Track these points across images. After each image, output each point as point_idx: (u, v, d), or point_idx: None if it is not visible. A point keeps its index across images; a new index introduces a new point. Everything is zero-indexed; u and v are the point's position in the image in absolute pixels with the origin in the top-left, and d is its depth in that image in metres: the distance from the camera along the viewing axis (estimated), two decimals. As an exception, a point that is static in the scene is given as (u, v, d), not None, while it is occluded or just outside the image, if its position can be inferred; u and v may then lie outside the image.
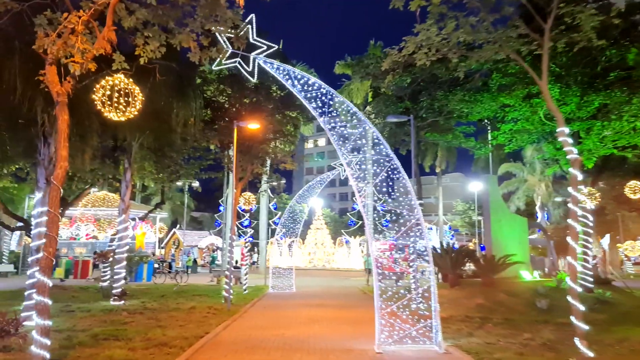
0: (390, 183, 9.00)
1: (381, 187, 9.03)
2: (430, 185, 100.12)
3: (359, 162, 9.13)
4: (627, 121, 14.41)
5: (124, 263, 14.38)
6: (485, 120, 17.58)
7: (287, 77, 9.63)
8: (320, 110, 9.44)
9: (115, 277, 14.22)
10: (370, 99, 34.29)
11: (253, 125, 14.24)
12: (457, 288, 15.32)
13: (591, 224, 16.40)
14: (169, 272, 27.65)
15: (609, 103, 15.04)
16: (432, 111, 17.16)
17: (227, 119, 16.01)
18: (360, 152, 9.16)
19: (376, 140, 9.18)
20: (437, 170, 54.98)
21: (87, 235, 34.92)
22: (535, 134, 16.98)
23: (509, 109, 15.78)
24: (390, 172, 9.03)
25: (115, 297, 13.86)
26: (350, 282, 30.11)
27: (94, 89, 6.56)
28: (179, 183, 28.56)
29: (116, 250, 14.24)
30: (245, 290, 21.03)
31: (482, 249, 57.11)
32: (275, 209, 36.51)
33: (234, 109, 16.67)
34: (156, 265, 32.70)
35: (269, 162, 20.34)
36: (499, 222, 16.82)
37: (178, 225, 72.05)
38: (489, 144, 16.89)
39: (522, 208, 37.32)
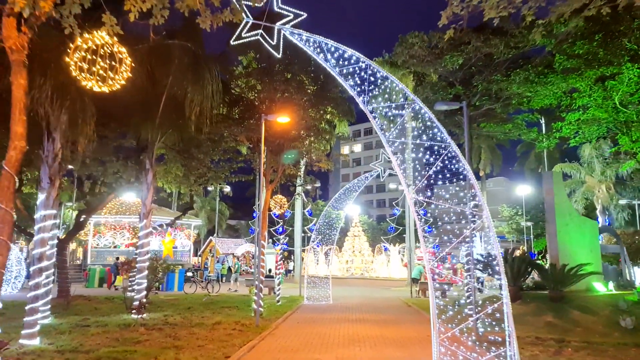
0: (448, 175, 7.21)
1: (437, 180, 7.25)
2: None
3: (408, 150, 7.40)
4: None
5: (146, 272, 13.20)
6: (538, 115, 15.32)
7: (318, 50, 8.07)
8: (358, 89, 7.81)
9: (137, 287, 13.05)
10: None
11: (282, 119, 12.81)
12: (520, 303, 13.13)
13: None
14: (201, 281, 26.59)
15: None
16: (487, 98, 15.01)
17: (256, 116, 14.65)
18: (410, 137, 7.43)
19: (429, 123, 7.43)
20: (481, 174, 51.97)
21: (127, 244, 34.72)
22: (607, 124, 14.59)
23: (577, 94, 13.54)
24: (447, 162, 7.24)
25: (134, 310, 12.67)
26: (391, 292, 28.04)
27: (71, 51, 5.26)
28: (210, 188, 27.60)
29: (138, 259, 13.07)
30: (278, 301, 19.53)
31: (532, 256, 53.45)
32: (310, 215, 35.06)
33: (263, 106, 15.33)
34: (190, 274, 31.91)
35: (302, 163, 18.81)
36: (566, 226, 14.47)
37: (215, 233, 72.22)
38: (553, 135, 14.61)
39: (581, 212, 33.98)
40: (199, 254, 56.68)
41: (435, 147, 7.32)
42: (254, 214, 34.83)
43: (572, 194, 34.14)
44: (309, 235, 39.53)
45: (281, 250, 25.54)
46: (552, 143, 14.95)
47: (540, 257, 49.82)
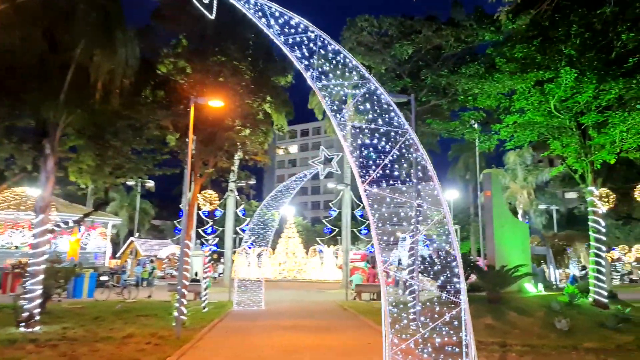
0: (405, 165, 6.35)
1: (393, 170, 6.36)
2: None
3: (362, 136, 6.44)
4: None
5: (40, 277, 11.04)
6: (484, 114, 15.29)
7: (260, 14, 6.87)
8: (306, 62, 6.73)
9: (28, 295, 10.85)
10: (349, 96, 31.93)
11: (215, 103, 11.38)
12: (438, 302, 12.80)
13: (604, 230, 14.36)
14: (114, 286, 23.92)
15: (628, 92, 13.04)
16: (434, 93, 14.68)
17: (185, 101, 13.00)
18: (364, 121, 6.48)
19: (385, 106, 6.53)
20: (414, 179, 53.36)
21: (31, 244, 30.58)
22: (540, 129, 14.84)
23: (517, 96, 13.57)
24: (404, 150, 6.38)
25: (23, 323, 10.50)
26: (326, 295, 27.24)
27: None
28: (130, 183, 24.99)
29: (30, 261, 10.89)
30: (204, 308, 17.84)
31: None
32: (243, 214, 33.38)
33: (194, 91, 13.71)
34: (105, 278, 28.84)
35: (237, 157, 17.31)
36: (502, 228, 14.51)
37: (137, 234, 67.44)
38: (493, 137, 14.60)
39: (506, 216, 35.86)
40: (117, 255, 52.44)
41: (392, 133, 6.44)
42: (181, 213, 32.48)
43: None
44: (240, 236, 37.71)
45: (210, 252, 23.80)
46: (492, 144, 14.96)
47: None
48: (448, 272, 6.33)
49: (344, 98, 6.62)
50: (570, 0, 13.32)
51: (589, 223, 14.19)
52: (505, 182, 32.61)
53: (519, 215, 33.58)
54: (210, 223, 32.35)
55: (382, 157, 6.30)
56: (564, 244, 26.80)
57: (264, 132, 15.35)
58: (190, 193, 13.46)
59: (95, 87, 10.72)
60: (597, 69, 13.04)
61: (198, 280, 24.13)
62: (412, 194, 6.89)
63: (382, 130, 6.38)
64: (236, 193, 20.31)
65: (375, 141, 6.40)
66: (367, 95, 6.56)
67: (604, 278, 13.86)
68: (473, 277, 13.73)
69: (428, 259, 12.95)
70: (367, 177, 6.24)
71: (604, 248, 14.12)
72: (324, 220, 44.58)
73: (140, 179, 18.77)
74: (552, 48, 13.32)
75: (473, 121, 15.10)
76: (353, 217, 31.05)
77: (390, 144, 6.35)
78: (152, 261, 32.06)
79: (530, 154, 32.53)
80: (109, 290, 23.29)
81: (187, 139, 15.35)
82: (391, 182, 6.22)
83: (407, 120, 13.04)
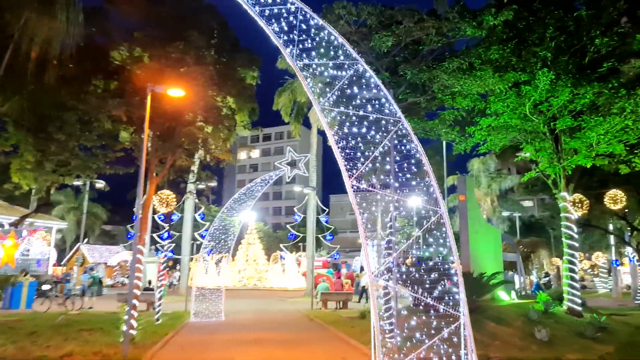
0: (397, 158, 5.51)
1: (384, 164, 5.50)
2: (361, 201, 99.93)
3: (349, 124, 5.54)
4: (626, 117, 12.32)
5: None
6: (463, 113, 14.80)
7: (232, -23, 5.86)
8: (285, 37, 5.79)
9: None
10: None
11: (175, 92, 10.16)
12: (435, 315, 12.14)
13: (577, 236, 14.21)
14: (56, 296, 21.74)
15: (601, 97, 12.95)
16: (412, 90, 13.96)
17: (141, 94, 11.63)
18: (351, 107, 5.58)
19: (375, 91, 5.67)
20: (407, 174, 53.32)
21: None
22: (513, 132, 14.57)
23: (493, 98, 13.19)
24: (397, 141, 5.55)
25: None
26: (289, 304, 26.08)
27: None
28: (77, 182, 22.93)
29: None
30: (158, 319, 16.29)
31: (419, 264, 56.21)
32: (202, 219, 31.62)
33: (152, 82, 12.35)
34: (47, 287, 26.36)
35: (197, 156, 15.99)
36: (476, 234, 14.06)
37: (86, 240, 63.51)
38: (469, 140, 14.16)
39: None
40: (62, 263, 48.91)
41: (383, 122, 5.59)
42: (134, 217, 30.42)
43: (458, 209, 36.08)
44: (199, 242, 35.86)
45: (165, 259, 22.09)
46: (468, 146, 14.52)
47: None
48: (445, 281, 5.51)
49: (328, 80, 5.71)
50: (545, 2, 13.13)
51: (562, 229, 13.99)
52: (469, 189, 32.85)
53: (483, 223, 33.96)
54: (167, 228, 30.39)
55: (372, 148, 5.43)
56: (529, 250, 27.15)
57: (227, 129, 14.17)
58: (145, 196, 12.09)
59: (35, 70, 9.28)
60: (571, 73, 12.88)
61: (152, 289, 22.38)
62: (407, 192, 6.06)
63: (371, 117, 5.52)
64: (195, 195, 18.81)
65: (364, 130, 5.52)
66: (354, 78, 5.67)
67: (577, 285, 13.65)
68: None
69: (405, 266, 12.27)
70: (354, 170, 5.35)
71: (577, 255, 13.93)
72: (287, 226, 43.35)
73: (88, 178, 16.95)
74: (528, 50, 13.06)
75: (452, 122, 14.59)
76: (317, 222, 30.12)
77: (380, 133, 5.50)
78: (92, 269, 29.64)
79: (494, 162, 32.94)
80: (50, 300, 21.11)
81: (142, 134, 13.96)
82: (382, 177, 5.35)
83: None
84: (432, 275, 6.28)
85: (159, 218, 32.81)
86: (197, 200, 22.44)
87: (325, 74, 5.70)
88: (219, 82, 12.47)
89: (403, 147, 5.60)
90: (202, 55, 11.66)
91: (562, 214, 14.08)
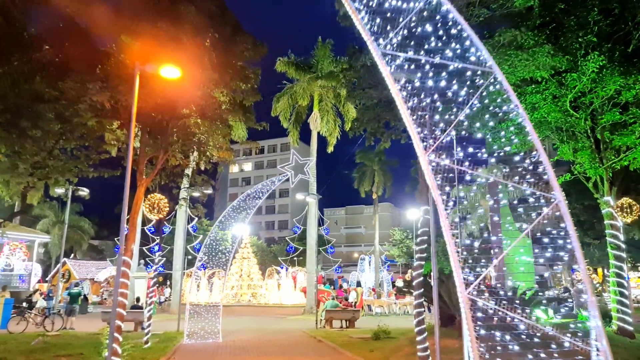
0: (491, 123, 3.90)
1: (472, 131, 3.88)
2: (359, 215, 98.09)
3: (420, 75, 3.92)
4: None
5: None
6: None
7: None
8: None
9: None
10: (316, 101, 29.64)
11: (168, 71, 8.49)
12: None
13: (624, 246, 12.62)
14: (36, 315, 19.60)
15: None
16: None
17: (130, 79, 9.89)
18: (423, 52, 3.97)
19: (455, 31, 4.07)
20: (374, 196, 51.67)
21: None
22: (547, 130, 13.05)
23: (531, 88, 11.68)
24: (487, 99, 3.94)
25: None
26: (290, 323, 24.11)
27: None
28: (59, 190, 20.99)
29: None
30: (147, 342, 14.34)
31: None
32: (194, 230, 29.81)
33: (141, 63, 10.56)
34: (25, 305, 24.20)
35: (193, 158, 14.24)
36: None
37: (73, 255, 60.99)
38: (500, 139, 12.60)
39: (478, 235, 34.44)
40: (47, 279, 46.56)
41: (468, 73, 3.99)
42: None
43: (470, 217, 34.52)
44: (191, 256, 33.85)
45: (155, 274, 20.16)
46: (501, 146, 12.88)
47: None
48: (570, 300, 3.84)
49: (389, 14, 4.11)
50: None
51: (607, 238, 12.42)
52: (478, 200, 31.31)
53: (491, 234, 32.41)
54: (157, 241, 28.44)
55: (455, 109, 3.80)
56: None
57: (227, 125, 12.50)
58: (132, 195, 10.31)
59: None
60: (617, 61, 11.45)
61: (140, 307, 20.38)
62: (507, 171, 4.42)
63: (452, 67, 3.90)
64: (189, 203, 17.00)
65: (442, 84, 3.91)
66: (426, 14, 4.06)
67: (627, 302, 11.99)
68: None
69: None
70: (431, 140, 3.71)
71: (624, 267, 12.31)
72: (287, 238, 41.51)
73: (68, 184, 15.08)
74: (569, 36, 11.62)
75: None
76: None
77: (465, 89, 3.88)
78: (77, 285, 27.53)
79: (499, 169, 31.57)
80: (27, 320, 18.99)
81: (128, 127, 12.22)
82: (470, 149, 3.73)
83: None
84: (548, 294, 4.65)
85: (149, 230, 30.98)
86: (190, 210, 20.52)
87: (386, 5, 4.11)
88: (218, 68, 10.83)
89: (497, 109, 4.01)
90: (199, 33, 10.02)
91: (606, 222, 12.51)
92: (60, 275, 45.38)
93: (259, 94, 12.71)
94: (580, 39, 11.56)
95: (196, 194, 19.01)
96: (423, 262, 9.42)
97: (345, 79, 10.08)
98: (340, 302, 21.63)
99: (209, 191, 18.29)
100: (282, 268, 40.12)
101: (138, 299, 21.76)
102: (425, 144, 3.77)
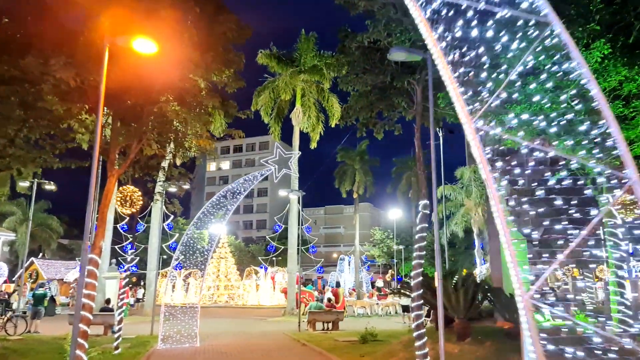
0: (549, 84, 3.17)
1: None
2: (338, 214, 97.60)
3: (462, 24, 3.15)
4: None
5: None
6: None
7: None
8: None
9: None
10: (299, 96, 28.75)
11: (141, 45, 7.47)
12: (471, 342, 9.76)
13: (625, 245, 12.18)
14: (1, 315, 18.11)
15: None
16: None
17: (99, 54, 8.75)
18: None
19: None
20: (355, 196, 51.11)
21: None
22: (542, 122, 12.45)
23: (532, 77, 11.06)
24: (543, 54, 3.20)
25: None
26: (270, 325, 23.18)
27: None
28: (24, 184, 19.56)
29: None
30: (117, 347, 13.20)
31: (399, 280, 53.79)
32: (170, 229, 28.52)
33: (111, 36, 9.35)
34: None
35: (169, 149, 13.15)
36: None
37: (41, 254, 58.44)
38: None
39: (461, 236, 34.09)
40: (13, 279, 44.36)
41: (520, 23, 3.25)
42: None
43: (452, 216, 34.20)
44: (166, 256, 32.48)
45: (128, 273, 18.78)
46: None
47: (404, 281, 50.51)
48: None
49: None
50: None
51: (607, 237, 11.96)
52: (460, 199, 31.10)
53: (474, 235, 32.15)
54: (130, 240, 27.04)
55: (504, 66, 3.05)
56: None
57: (207, 113, 11.50)
58: (102, 186, 9.26)
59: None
60: (619, 52, 10.98)
61: (110, 309, 19.08)
62: (569, 144, 3.68)
63: (499, 15, 3.14)
64: (165, 198, 15.85)
65: (489, 35, 3.15)
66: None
67: (629, 303, 11.58)
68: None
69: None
70: (477, 104, 2.95)
71: (626, 266, 11.89)
72: (267, 237, 40.42)
73: (34, 176, 13.78)
74: (569, 27, 11.06)
75: None
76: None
77: (517, 42, 3.14)
78: (42, 285, 25.96)
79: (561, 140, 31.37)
80: (-8, 322, 17.51)
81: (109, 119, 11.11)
82: (525, 116, 2.98)
83: (411, 95, 10.04)
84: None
85: (122, 228, 29.49)
86: (166, 206, 19.34)
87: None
88: (199, 47, 9.85)
89: (556, 67, 3.29)
90: (178, 6, 9.01)
91: (606, 220, 12.05)
92: (28, 276, 43.32)
93: (243, 80, 11.77)
94: (581, 28, 11.05)
95: (173, 189, 17.86)
96: (422, 261, 8.70)
97: (337, 64, 9.31)
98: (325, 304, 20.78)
99: (187, 186, 17.19)
100: (261, 268, 39.02)
101: (108, 301, 20.43)
102: (470, 107, 3.03)
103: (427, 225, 8.97)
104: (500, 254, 11.61)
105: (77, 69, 8.65)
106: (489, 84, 3.23)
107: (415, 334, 8.36)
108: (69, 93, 10.54)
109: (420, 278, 8.63)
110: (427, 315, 21.50)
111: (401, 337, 12.41)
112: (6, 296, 28.88)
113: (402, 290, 13.62)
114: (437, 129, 23.33)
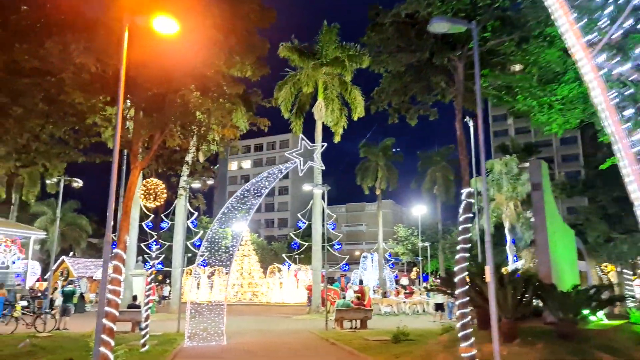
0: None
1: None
2: (360, 212, 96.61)
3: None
4: None
5: None
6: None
7: None
8: None
9: None
10: (321, 89, 28.13)
11: (162, 23, 7.02)
12: (519, 343, 8.97)
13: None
14: (23, 313, 18.13)
15: None
16: (500, 24, 9.58)
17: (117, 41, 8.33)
18: None
19: None
20: (378, 192, 50.19)
21: None
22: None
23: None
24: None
25: None
26: (296, 323, 22.72)
27: None
28: (52, 181, 19.59)
29: None
30: (144, 345, 12.93)
31: (425, 279, 52.65)
32: (194, 226, 28.34)
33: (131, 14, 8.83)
34: (24, 304, 22.90)
35: (193, 142, 12.78)
36: (554, 235, 10.93)
37: (72, 253, 59.71)
38: (548, 113, 10.77)
39: (491, 231, 32.88)
40: (45, 277, 45.38)
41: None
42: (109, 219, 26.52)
43: (481, 211, 33.04)
44: (191, 254, 32.41)
45: (154, 271, 18.65)
46: (559, 129, 11.13)
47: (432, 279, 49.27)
48: None
49: None
50: None
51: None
52: (491, 193, 29.89)
53: (506, 230, 30.90)
54: (155, 237, 26.99)
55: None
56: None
57: (232, 102, 11.02)
58: (122, 180, 8.88)
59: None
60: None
61: (138, 306, 18.96)
62: None
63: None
64: (190, 193, 15.46)
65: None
66: None
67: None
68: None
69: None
70: (594, 34, 2.31)
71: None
72: (291, 234, 40.01)
73: (56, 171, 13.61)
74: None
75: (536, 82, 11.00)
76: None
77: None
78: (71, 283, 26.17)
79: (515, 162, 30.08)
80: (17, 320, 17.59)
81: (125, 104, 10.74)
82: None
83: (453, 73, 9.20)
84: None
85: (147, 226, 29.54)
86: (191, 200, 19.05)
87: None
88: (222, 29, 9.34)
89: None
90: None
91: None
92: (59, 274, 44.23)
93: (267, 66, 11.26)
94: None
95: (197, 185, 17.53)
96: (467, 255, 7.98)
97: (369, 42, 8.58)
98: (352, 302, 20.13)
99: (210, 181, 16.84)
100: (284, 265, 38.63)
101: (135, 297, 20.34)
102: (587, 39, 2.37)
103: (471, 215, 8.24)
104: (548, 247, 10.71)
105: (98, 54, 8.27)
106: (609, 9, 2.54)
107: (460, 334, 7.66)
108: (90, 84, 10.25)
109: (465, 273, 7.93)
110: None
111: (438, 338, 11.68)
112: (38, 294, 29.34)
113: (441, 288, 12.85)
114: (468, 118, 22.32)
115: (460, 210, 8.32)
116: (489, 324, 10.46)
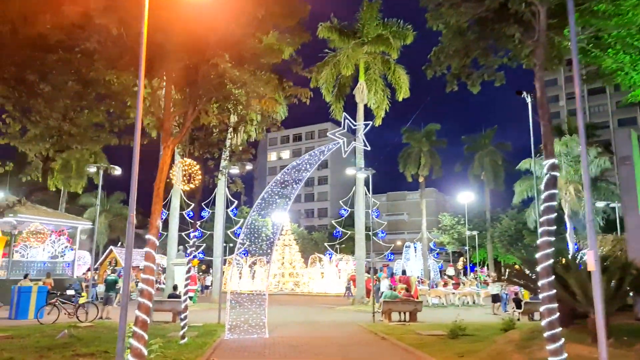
0: None
1: None
2: (401, 201, 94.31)
3: None
4: None
5: None
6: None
7: None
8: None
9: None
10: (362, 70, 26.72)
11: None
12: (612, 343, 7.48)
13: None
14: (63, 302, 18.05)
15: None
16: None
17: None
18: None
19: None
20: (421, 180, 48.23)
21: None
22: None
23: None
24: None
25: None
26: (340, 314, 21.74)
27: None
28: (91, 169, 19.46)
29: None
30: (183, 337, 12.29)
31: (472, 269, 50.22)
32: (235, 214, 27.86)
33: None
34: (71, 292, 23.18)
35: (232, 118, 11.87)
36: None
37: (120, 243, 61.83)
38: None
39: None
40: (95, 267, 46.94)
41: None
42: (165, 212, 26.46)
43: (538, 196, 30.67)
44: (232, 244, 32.15)
45: (194, 260, 18.28)
46: None
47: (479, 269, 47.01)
48: None
49: None
50: None
51: None
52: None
53: (566, 217, 28.44)
54: (197, 226, 26.74)
55: None
56: None
57: (270, 71, 9.98)
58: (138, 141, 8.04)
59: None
60: None
61: (178, 296, 18.56)
62: None
63: None
64: (228, 178, 14.65)
65: None
66: None
67: None
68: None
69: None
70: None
71: None
72: (333, 222, 39.02)
73: (89, 154, 13.15)
74: None
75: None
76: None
77: None
78: (113, 271, 26.34)
79: (576, 143, 27.45)
80: (59, 309, 17.59)
81: (162, 84, 9.94)
82: None
83: (533, 20, 7.62)
84: None
85: (188, 215, 29.43)
86: (229, 186, 18.33)
87: None
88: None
89: None
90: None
91: None
92: (107, 263, 45.50)
93: (308, 33, 10.12)
94: None
95: (235, 170, 16.70)
96: (551, 239, 6.57)
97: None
98: (399, 292, 18.82)
99: (249, 166, 15.97)
100: (326, 255, 37.71)
101: (175, 287, 19.99)
102: None
103: (555, 191, 6.79)
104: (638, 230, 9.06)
105: (119, 13, 7.41)
106: None
107: (546, 334, 6.29)
108: (119, 58, 9.51)
109: (550, 261, 6.51)
110: (518, 307, 18.97)
111: (507, 335, 10.24)
112: (84, 283, 30.01)
113: (513, 279, 11.38)
114: (525, 93, 20.30)
115: (542, 186, 6.89)
116: (571, 321, 9.02)
